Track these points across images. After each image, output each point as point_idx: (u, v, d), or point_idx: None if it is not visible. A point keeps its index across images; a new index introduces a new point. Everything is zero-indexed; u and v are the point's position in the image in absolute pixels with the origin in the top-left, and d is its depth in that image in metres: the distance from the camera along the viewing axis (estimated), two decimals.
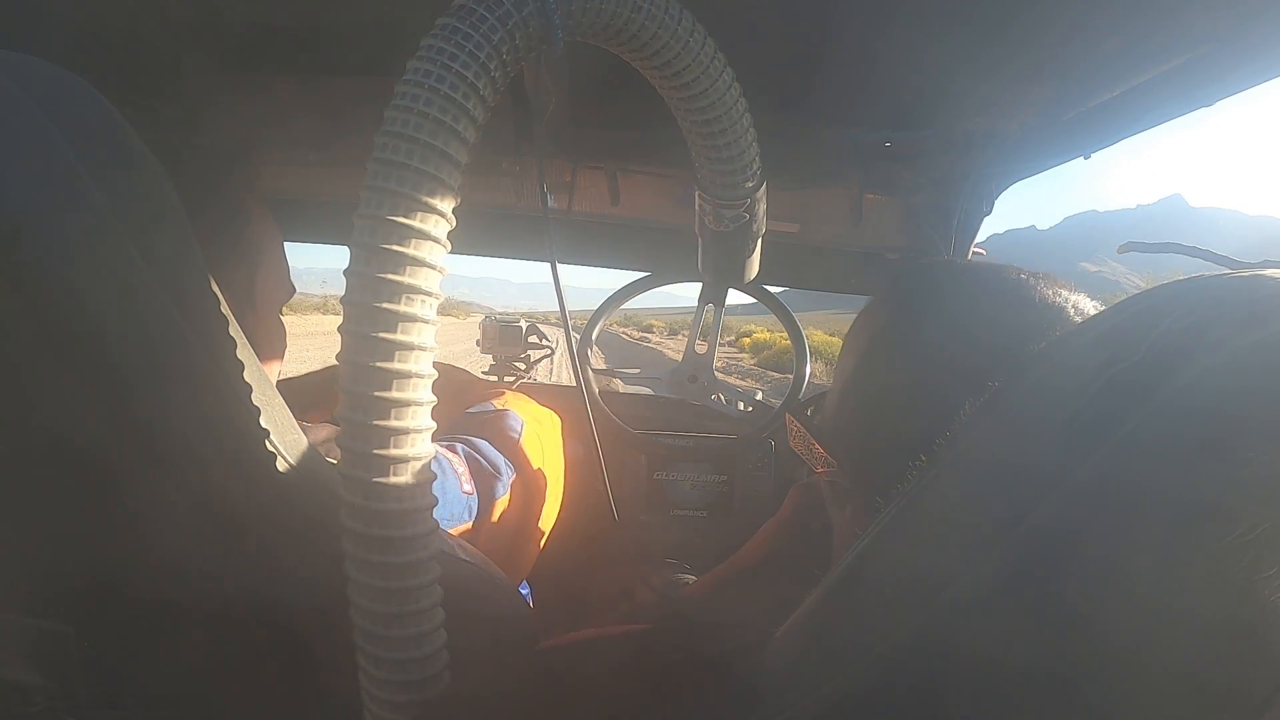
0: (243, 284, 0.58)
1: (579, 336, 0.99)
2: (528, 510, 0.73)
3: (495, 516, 0.66)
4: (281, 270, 0.64)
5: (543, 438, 0.80)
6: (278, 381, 0.72)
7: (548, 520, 0.77)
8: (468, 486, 0.64)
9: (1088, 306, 0.42)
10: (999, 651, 0.20)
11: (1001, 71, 0.71)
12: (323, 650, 0.41)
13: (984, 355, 0.38)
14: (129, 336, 0.32)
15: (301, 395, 0.70)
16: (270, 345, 0.63)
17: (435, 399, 0.37)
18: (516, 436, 0.75)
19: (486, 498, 0.66)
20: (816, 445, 0.49)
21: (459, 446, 0.68)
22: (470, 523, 0.64)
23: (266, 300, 0.61)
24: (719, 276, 0.79)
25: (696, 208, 0.65)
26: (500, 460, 0.71)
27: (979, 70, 0.70)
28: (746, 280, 0.79)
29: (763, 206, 0.64)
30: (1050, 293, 0.43)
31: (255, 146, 0.94)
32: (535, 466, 0.75)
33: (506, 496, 0.69)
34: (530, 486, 0.73)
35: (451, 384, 0.87)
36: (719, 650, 0.31)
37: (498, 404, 0.81)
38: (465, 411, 0.80)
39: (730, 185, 0.59)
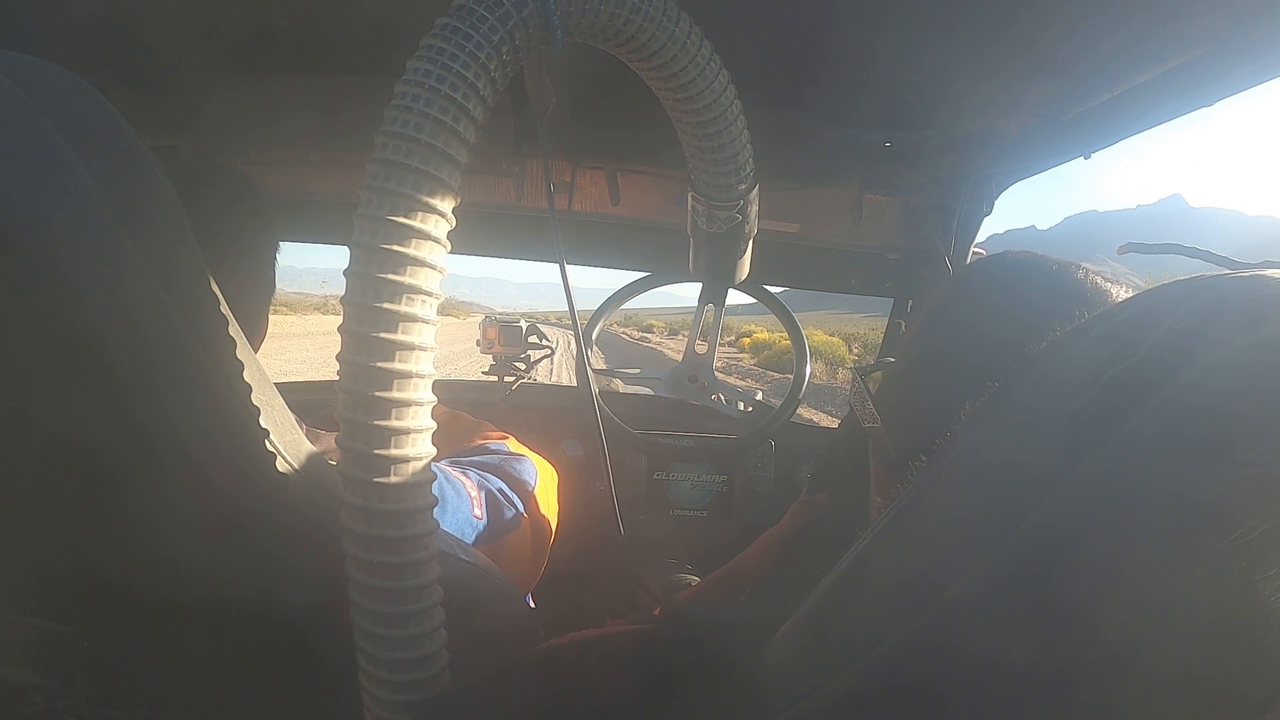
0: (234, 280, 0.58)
1: (583, 339, 0.99)
2: (535, 557, 0.74)
3: (505, 552, 0.66)
4: (252, 264, 0.63)
5: (549, 490, 0.81)
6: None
7: (539, 566, 0.78)
8: (479, 511, 0.64)
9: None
10: (999, 651, 0.20)
11: (1002, 72, 0.71)
12: (323, 650, 0.41)
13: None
14: (126, 336, 0.32)
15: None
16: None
17: (435, 399, 0.37)
18: (532, 486, 0.75)
19: (497, 530, 0.66)
20: (869, 402, 0.51)
21: (473, 475, 0.68)
22: (477, 548, 0.64)
23: (251, 297, 0.61)
24: (710, 277, 0.79)
25: (689, 208, 0.65)
26: (517, 501, 0.71)
27: (979, 70, 0.70)
28: (738, 281, 0.79)
29: (755, 208, 0.64)
30: (1113, 289, 0.43)
31: (250, 143, 0.94)
32: (542, 516, 0.76)
33: (516, 537, 0.69)
34: (539, 535, 0.74)
35: (453, 429, 0.87)
36: (720, 649, 0.31)
37: (511, 447, 0.81)
38: (480, 444, 0.80)
39: (723, 187, 0.59)
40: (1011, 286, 0.46)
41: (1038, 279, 0.46)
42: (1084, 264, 0.46)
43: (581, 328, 0.92)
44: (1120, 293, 0.44)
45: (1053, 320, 0.39)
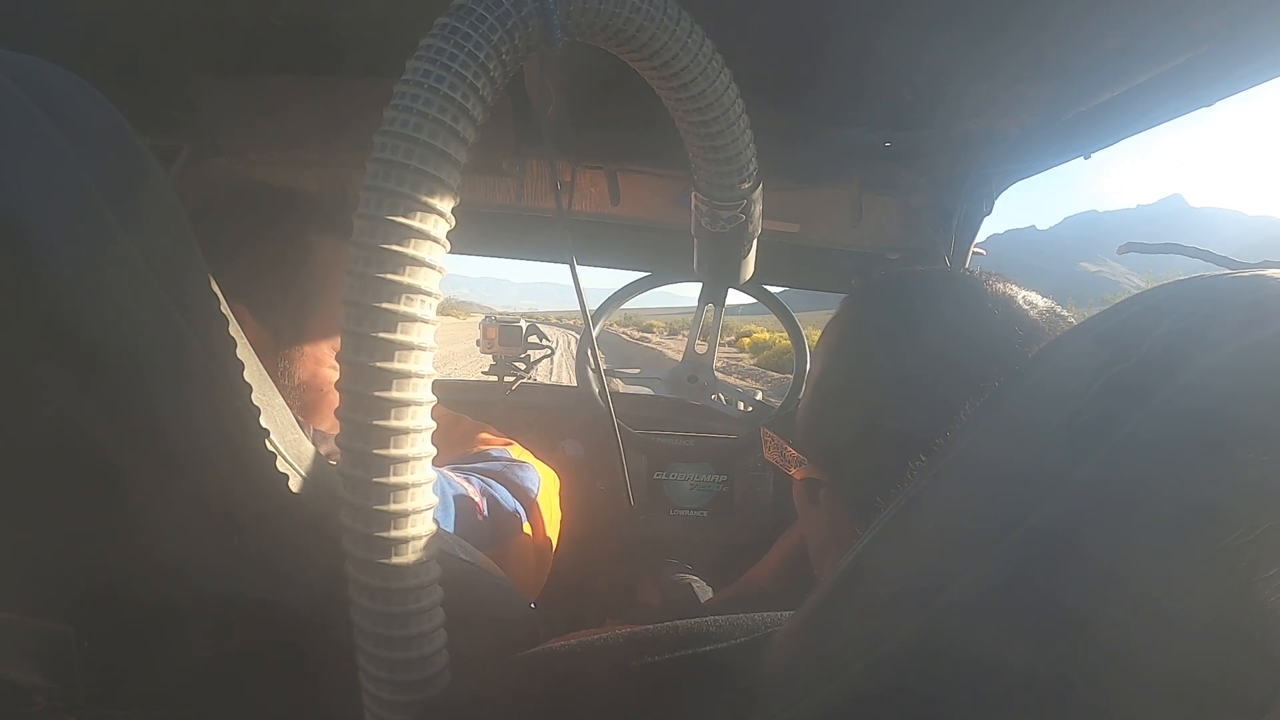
0: (292, 319, 0.57)
1: (591, 333, 0.99)
2: (538, 564, 0.73)
3: (507, 557, 0.66)
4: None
5: (552, 498, 0.81)
6: None
7: (544, 573, 0.77)
8: (480, 516, 0.64)
9: (1040, 302, 0.45)
10: (998, 652, 0.20)
11: (1001, 71, 0.71)
12: (323, 650, 0.41)
13: (973, 357, 0.40)
14: (129, 336, 0.32)
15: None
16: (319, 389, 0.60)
17: (435, 399, 0.37)
18: (534, 493, 0.75)
19: (498, 535, 0.66)
20: (789, 449, 0.51)
21: (475, 480, 0.68)
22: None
23: (317, 339, 0.59)
24: (714, 276, 0.79)
25: (693, 208, 0.65)
26: (519, 507, 0.70)
27: (979, 70, 0.70)
28: (742, 281, 0.79)
29: (758, 208, 0.64)
30: (1015, 293, 0.45)
31: (249, 143, 0.94)
32: (545, 523, 0.75)
33: (518, 543, 0.69)
34: (541, 542, 0.74)
35: (454, 432, 0.86)
36: (719, 651, 0.31)
37: (514, 454, 0.81)
38: (482, 450, 0.80)
39: (726, 186, 0.59)
40: (936, 304, 0.47)
41: (949, 292, 0.47)
42: (994, 274, 0.47)
43: (584, 327, 0.92)
44: (1022, 296, 0.45)
45: (1000, 339, 0.41)
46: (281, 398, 0.41)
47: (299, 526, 0.40)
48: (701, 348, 1.36)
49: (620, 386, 1.99)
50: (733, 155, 0.56)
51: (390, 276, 0.34)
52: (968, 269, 0.50)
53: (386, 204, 0.35)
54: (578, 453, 1.37)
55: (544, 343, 1.40)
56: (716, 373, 1.37)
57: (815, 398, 0.51)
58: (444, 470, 0.64)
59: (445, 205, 0.36)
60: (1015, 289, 0.45)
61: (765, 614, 0.33)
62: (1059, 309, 0.45)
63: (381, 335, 0.34)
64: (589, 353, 1.30)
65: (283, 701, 0.44)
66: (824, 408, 0.50)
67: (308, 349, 0.59)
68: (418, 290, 0.35)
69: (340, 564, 0.37)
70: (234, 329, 0.37)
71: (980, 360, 0.40)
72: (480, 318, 1.44)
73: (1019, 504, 0.21)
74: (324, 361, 0.61)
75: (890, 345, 0.46)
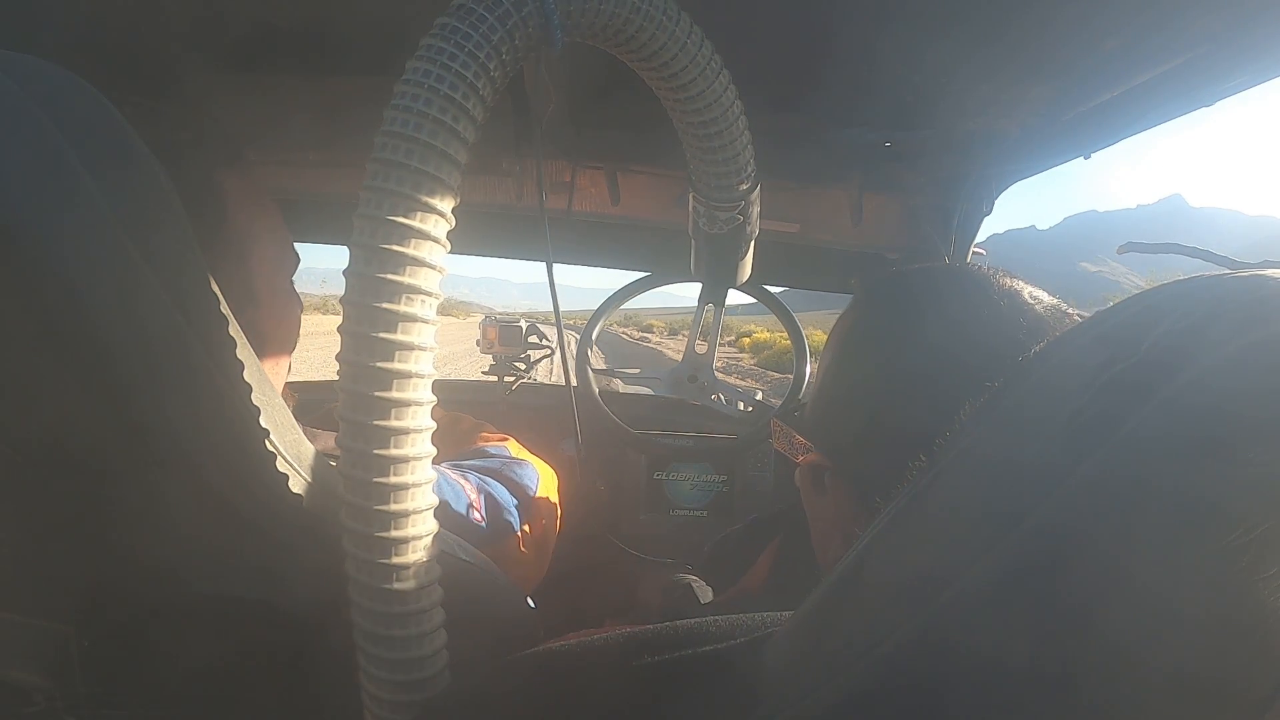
0: (237, 276, 0.53)
1: (577, 338, 0.99)
2: (536, 562, 0.73)
3: (505, 555, 0.66)
4: (277, 250, 0.59)
5: (550, 495, 0.81)
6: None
7: (541, 570, 0.77)
8: (478, 515, 0.64)
9: (1046, 298, 0.46)
10: (1000, 650, 0.20)
11: (1002, 71, 0.71)
12: (323, 650, 0.41)
13: (977, 351, 0.40)
14: (128, 335, 0.32)
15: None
16: (283, 329, 0.58)
17: (435, 399, 0.37)
18: (533, 491, 0.75)
19: (496, 534, 0.66)
20: (796, 436, 0.51)
21: (473, 478, 0.67)
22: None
23: (269, 285, 0.57)
24: (711, 277, 0.79)
25: (690, 209, 0.65)
26: (516, 505, 0.70)
27: (979, 70, 0.70)
28: (739, 282, 0.79)
29: (756, 209, 0.64)
30: (1021, 288, 0.46)
31: (236, 134, 0.93)
32: (543, 520, 0.75)
33: (516, 540, 0.69)
34: (539, 540, 0.74)
35: (454, 432, 0.86)
36: (719, 651, 0.31)
37: (512, 450, 0.81)
38: (480, 448, 0.79)
39: (724, 187, 0.59)
40: (949, 299, 0.47)
41: (960, 289, 0.47)
42: (1002, 271, 0.48)
43: (578, 328, 0.92)
44: (1028, 292, 0.45)
45: (1006, 336, 0.41)
46: (281, 398, 0.41)
47: (299, 526, 0.40)
48: (701, 348, 1.36)
49: (620, 386, 1.99)
50: (731, 156, 0.56)
51: (390, 276, 0.34)
52: (974, 265, 0.50)
53: (387, 204, 0.35)
54: (578, 453, 1.37)
55: (544, 343, 1.40)
56: (716, 373, 1.37)
57: (823, 392, 0.51)
58: (441, 468, 0.64)
59: (445, 205, 0.36)
60: (1021, 284, 0.46)
61: (765, 614, 0.33)
62: (1065, 305, 0.45)
63: (381, 335, 0.34)
64: (564, 351, 1.30)
65: (283, 702, 0.44)
66: (831, 402, 0.50)
67: (262, 297, 0.55)
68: (418, 290, 0.35)
69: (340, 564, 0.37)
70: (234, 329, 0.37)
71: (984, 356, 0.40)
72: (480, 318, 1.44)
73: (1020, 502, 0.21)
74: (274, 300, 0.57)
75: (894, 341, 0.47)
